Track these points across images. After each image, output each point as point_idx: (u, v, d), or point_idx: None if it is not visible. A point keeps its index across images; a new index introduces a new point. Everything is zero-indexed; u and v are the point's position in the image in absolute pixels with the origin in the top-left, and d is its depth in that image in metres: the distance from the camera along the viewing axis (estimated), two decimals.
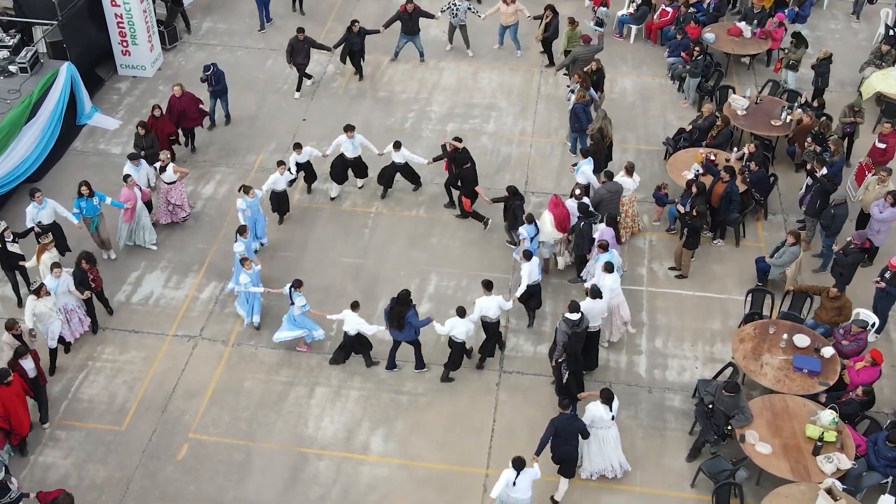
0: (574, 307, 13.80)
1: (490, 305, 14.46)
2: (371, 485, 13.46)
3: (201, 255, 17.12)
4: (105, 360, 15.20)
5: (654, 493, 13.38)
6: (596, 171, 17.32)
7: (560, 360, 13.77)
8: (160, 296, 16.36)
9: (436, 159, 17.93)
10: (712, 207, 16.95)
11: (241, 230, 15.66)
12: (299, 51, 20.46)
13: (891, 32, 22.05)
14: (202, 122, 19.54)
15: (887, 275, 14.99)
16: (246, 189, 16.27)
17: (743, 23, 21.91)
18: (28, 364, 13.60)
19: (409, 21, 21.47)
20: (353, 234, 17.62)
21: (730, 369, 14.33)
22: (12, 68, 19.17)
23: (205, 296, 16.35)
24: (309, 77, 21.26)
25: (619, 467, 13.37)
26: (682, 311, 16.17)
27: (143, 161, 17.20)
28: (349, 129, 17.64)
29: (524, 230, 15.63)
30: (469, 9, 21.81)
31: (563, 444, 12.53)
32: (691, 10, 22.26)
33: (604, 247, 15.13)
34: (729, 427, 13.22)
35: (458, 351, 14.59)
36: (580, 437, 12.69)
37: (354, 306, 14.48)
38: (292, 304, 14.74)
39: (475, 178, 17.33)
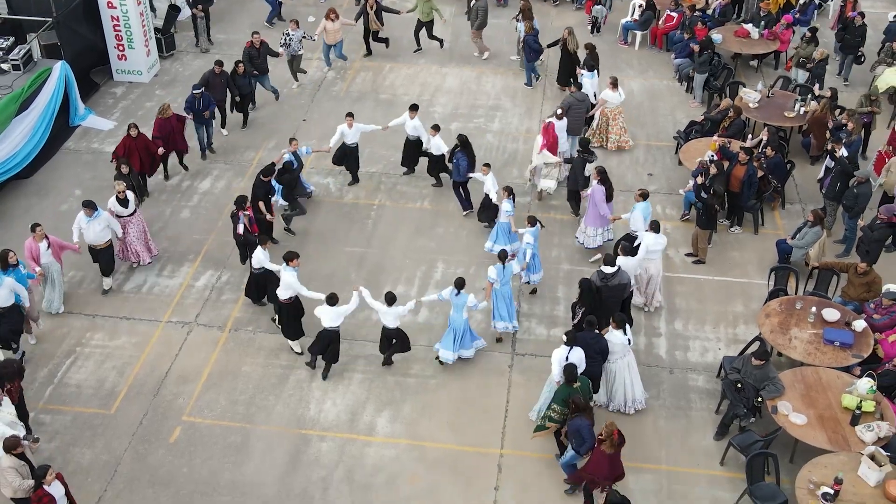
0: (609, 260, 13.41)
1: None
2: (377, 466, 12.55)
3: (197, 245, 16.40)
4: (94, 346, 14.36)
5: (682, 471, 12.48)
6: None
7: (576, 303, 13.53)
8: (154, 284, 15.59)
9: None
10: (732, 192, 16.33)
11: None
12: (215, 86, 18.43)
13: None
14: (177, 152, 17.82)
15: None
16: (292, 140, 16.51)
17: (750, 24, 21.58)
18: (57, 490, 10.82)
19: (258, 57, 19.55)
20: (357, 224, 16.94)
21: (757, 343, 13.52)
22: (4, 66, 18.66)
23: (200, 283, 15.58)
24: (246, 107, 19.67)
25: (641, 398, 13.20)
26: (702, 295, 15.43)
27: (98, 211, 14.78)
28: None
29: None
30: (304, 37, 20.54)
31: (590, 363, 12.35)
32: (696, 13, 21.94)
33: (644, 196, 15.05)
34: (759, 399, 12.39)
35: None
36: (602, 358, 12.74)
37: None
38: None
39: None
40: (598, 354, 12.54)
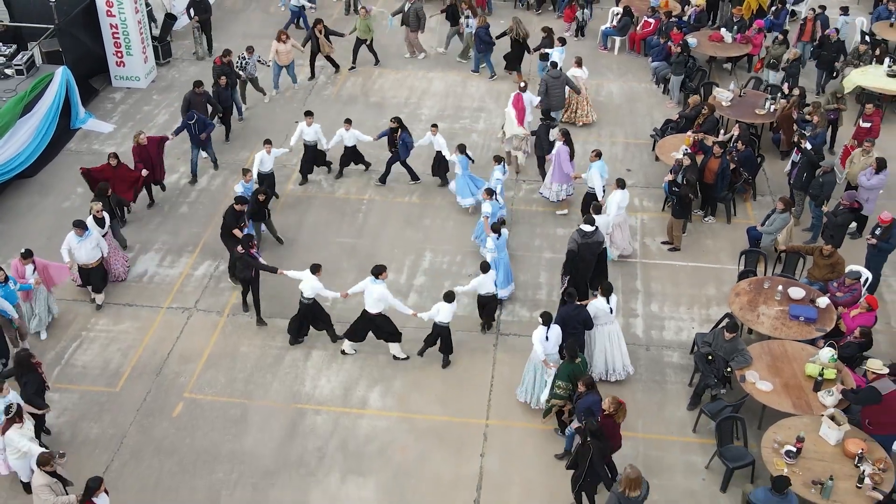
0: (590, 220, 14.59)
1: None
2: (370, 436, 13.28)
3: (195, 237, 17.14)
4: (99, 331, 15.06)
5: (658, 438, 13.25)
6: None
7: (564, 274, 14.60)
8: (154, 273, 16.33)
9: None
10: (706, 184, 17.20)
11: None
12: (197, 105, 18.72)
13: (866, 38, 22.76)
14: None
15: (878, 230, 15.16)
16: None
17: (723, 29, 22.56)
18: (103, 500, 11.00)
19: (231, 73, 19.96)
20: (348, 217, 17.73)
21: (727, 320, 14.31)
22: (8, 71, 19.44)
23: (199, 273, 16.32)
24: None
25: (622, 369, 13.89)
26: (677, 280, 16.25)
27: (89, 231, 14.98)
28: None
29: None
30: (259, 60, 21.05)
31: (571, 334, 13.05)
32: (672, 19, 22.90)
33: (598, 154, 16.78)
34: (729, 370, 13.18)
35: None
36: (584, 329, 13.49)
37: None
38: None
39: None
40: (580, 325, 13.31)
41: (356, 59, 23.15)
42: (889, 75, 20.61)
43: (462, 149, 17.39)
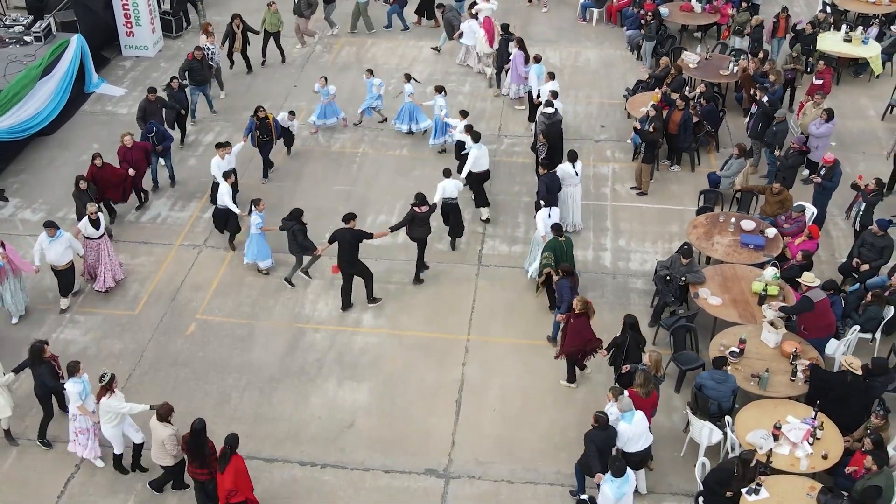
0: (549, 103, 17.56)
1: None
2: (364, 349, 14.86)
3: (203, 186, 18.63)
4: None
5: None
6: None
7: (539, 145, 17.98)
8: (167, 216, 17.89)
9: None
10: (670, 134, 18.76)
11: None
12: (153, 113, 18.58)
13: (828, 10, 24.33)
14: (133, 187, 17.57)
15: (822, 170, 16.75)
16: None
17: (694, 0, 24.12)
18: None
19: (202, 69, 20.32)
20: (344, 168, 19.29)
21: (684, 247, 15.86)
22: (27, 38, 20.98)
23: (207, 216, 17.83)
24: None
25: (571, 225, 17.12)
26: (644, 219, 17.82)
27: (60, 231, 14.91)
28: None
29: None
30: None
31: (551, 196, 16.21)
32: None
33: (537, 59, 20.33)
34: (683, 279, 14.69)
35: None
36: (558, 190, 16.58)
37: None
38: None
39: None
40: (557, 189, 16.36)
41: (266, 52, 23.18)
42: (845, 40, 22.16)
43: (370, 73, 20.38)
